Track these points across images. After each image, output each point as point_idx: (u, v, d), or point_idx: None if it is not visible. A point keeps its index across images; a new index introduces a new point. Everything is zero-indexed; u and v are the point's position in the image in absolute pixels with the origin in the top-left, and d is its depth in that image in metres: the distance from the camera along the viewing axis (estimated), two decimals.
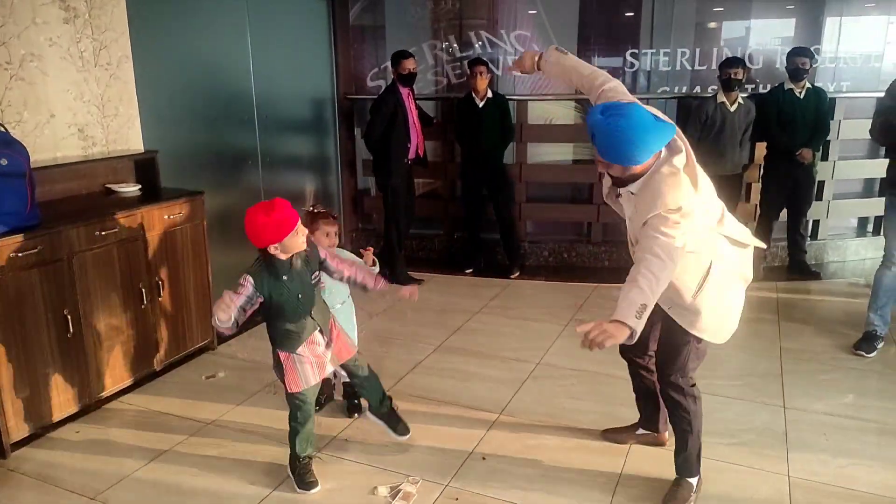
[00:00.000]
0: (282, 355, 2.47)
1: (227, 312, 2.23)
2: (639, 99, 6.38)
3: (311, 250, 2.44)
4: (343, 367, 2.64)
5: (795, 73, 4.63)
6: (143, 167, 3.65)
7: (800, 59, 4.62)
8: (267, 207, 2.26)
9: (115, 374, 3.14)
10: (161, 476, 2.60)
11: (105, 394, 3.10)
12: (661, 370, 2.39)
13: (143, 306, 3.22)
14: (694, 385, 2.35)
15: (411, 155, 4.82)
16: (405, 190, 4.88)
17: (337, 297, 2.90)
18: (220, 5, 4.28)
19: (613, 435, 2.79)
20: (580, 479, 2.55)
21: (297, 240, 2.32)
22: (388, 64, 5.28)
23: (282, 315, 2.41)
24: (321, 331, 2.47)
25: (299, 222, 2.31)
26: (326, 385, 3.09)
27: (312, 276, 2.44)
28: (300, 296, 2.39)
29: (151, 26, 3.81)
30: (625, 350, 2.57)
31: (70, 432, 2.92)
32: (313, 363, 2.47)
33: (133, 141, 3.74)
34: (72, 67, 3.37)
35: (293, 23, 5.05)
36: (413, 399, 3.17)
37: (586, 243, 5.39)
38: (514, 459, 2.68)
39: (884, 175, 3.58)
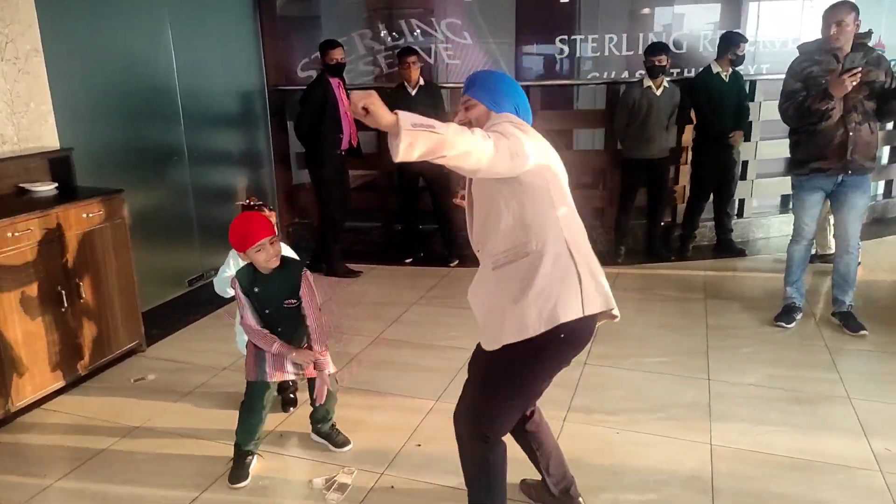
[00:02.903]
0: (248, 342, 2.55)
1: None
2: (568, 84, 6.38)
3: (295, 277, 2.44)
4: (309, 381, 2.64)
5: (737, 59, 4.78)
6: (58, 165, 3.50)
7: (743, 44, 4.78)
8: (242, 217, 2.37)
9: (36, 381, 3.01)
10: (85, 485, 2.51)
11: (25, 402, 2.97)
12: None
13: (62, 310, 3.10)
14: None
15: (344, 146, 4.77)
16: (338, 181, 4.84)
17: None
18: None
19: (527, 489, 2.37)
20: (513, 462, 2.55)
21: (259, 257, 2.35)
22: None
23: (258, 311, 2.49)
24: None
25: (264, 241, 2.32)
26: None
27: (287, 302, 2.44)
28: (267, 311, 2.44)
29: (62, 18, 3.64)
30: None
31: None
32: (272, 361, 2.50)
33: (47, 138, 3.58)
34: None
35: (216, 14, 4.92)
36: (349, 392, 3.15)
37: None
38: (450, 446, 2.63)
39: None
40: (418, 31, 6.16)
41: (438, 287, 4.67)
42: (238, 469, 2.50)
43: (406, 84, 4.89)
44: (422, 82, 4.91)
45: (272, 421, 2.87)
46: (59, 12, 3.60)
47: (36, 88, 3.50)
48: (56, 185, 3.42)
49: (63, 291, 3.09)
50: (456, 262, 5.11)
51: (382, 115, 1.46)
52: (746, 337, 3.66)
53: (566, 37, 6.07)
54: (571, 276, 1.78)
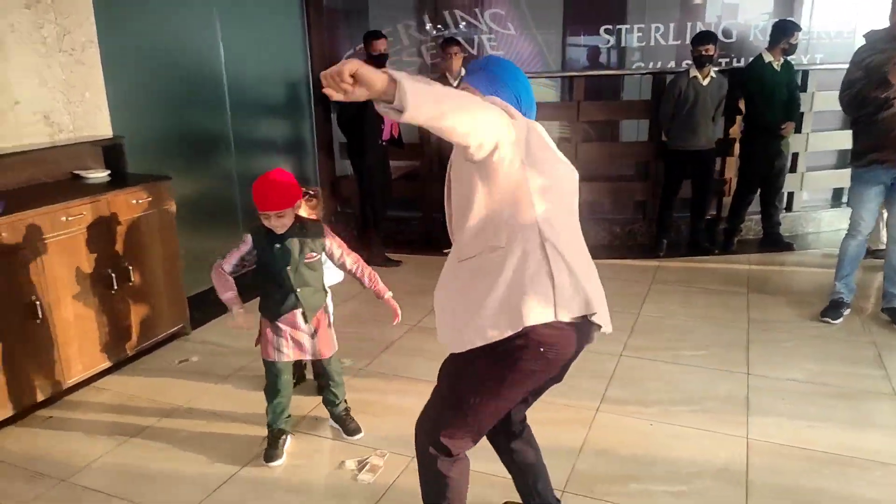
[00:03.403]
0: (262, 320, 2.57)
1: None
2: (613, 74, 6.28)
3: (316, 233, 2.49)
4: (316, 363, 2.69)
5: (790, 49, 4.65)
6: (111, 153, 3.64)
7: (796, 34, 4.65)
8: (263, 181, 2.36)
9: (86, 359, 3.15)
10: (130, 458, 2.62)
11: (77, 379, 3.12)
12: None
13: (112, 292, 3.23)
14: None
15: (385, 136, 4.82)
16: (380, 171, 4.89)
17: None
18: None
19: None
20: (544, 449, 2.56)
21: (269, 222, 2.39)
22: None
23: (268, 279, 2.52)
24: (304, 315, 2.52)
25: (274, 212, 2.35)
26: (297, 365, 3.12)
27: (307, 257, 2.47)
28: (287, 268, 2.46)
29: (117, 10, 3.78)
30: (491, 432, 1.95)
31: (41, 418, 2.94)
32: (289, 339, 2.55)
33: (101, 127, 3.73)
34: (34, 53, 3.35)
35: (263, 4, 5.02)
36: (385, 377, 3.21)
37: None
38: None
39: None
40: (463, 22, 6.17)
41: None
42: (272, 449, 2.57)
43: (448, 75, 4.90)
44: (463, 73, 4.91)
45: (308, 404, 2.95)
46: (113, 4, 3.74)
47: (91, 79, 3.65)
48: (108, 171, 3.56)
49: (113, 274, 3.22)
50: None
51: (373, 77, 1.26)
52: (789, 331, 3.57)
53: (612, 27, 5.99)
54: (542, 275, 1.58)
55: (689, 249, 5.05)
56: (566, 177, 1.74)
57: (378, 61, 4.67)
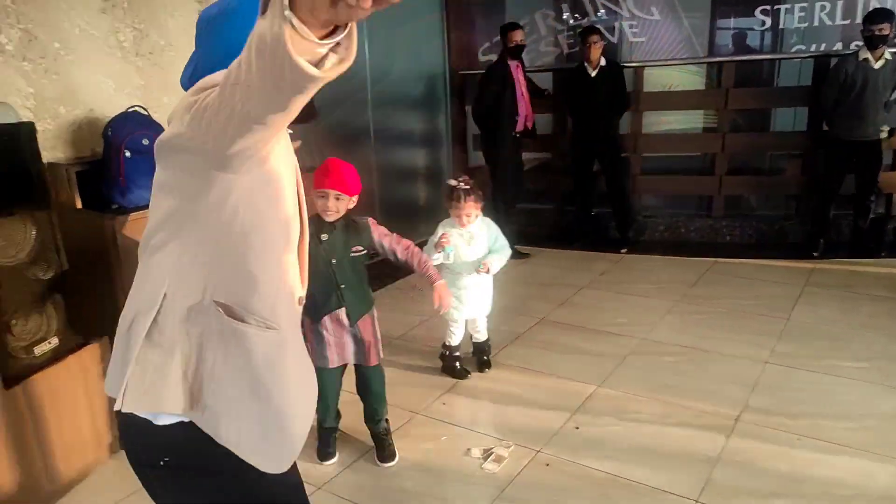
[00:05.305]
0: (305, 322, 2.26)
1: None
2: (769, 59, 5.86)
3: (362, 226, 2.40)
4: (359, 374, 2.54)
5: None
6: None
7: None
8: (333, 160, 2.29)
9: None
10: None
11: None
12: None
13: None
14: None
15: (519, 127, 4.79)
16: (512, 163, 4.87)
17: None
18: None
19: None
20: (677, 455, 2.47)
21: (318, 202, 2.25)
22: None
23: (311, 276, 2.38)
24: (349, 315, 2.38)
25: (329, 191, 2.23)
26: (479, 350, 3.27)
27: (352, 250, 2.36)
28: (333, 261, 2.32)
29: None
30: None
31: None
32: (333, 346, 2.41)
33: None
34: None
35: (407, 1, 5.17)
36: (511, 369, 3.21)
37: (705, 217, 5.12)
38: (610, 431, 2.65)
39: None
40: (602, 10, 5.99)
41: (610, 272, 4.55)
42: (325, 447, 2.54)
43: (587, 65, 4.78)
44: (603, 62, 4.77)
45: (437, 390, 3.01)
46: None
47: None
48: None
49: None
50: (626, 249, 4.95)
51: None
52: None
53: (769, 7, 5.56)
54: None
55: (851, 251, 4.59)
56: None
57: (514, 52, 4.65)
